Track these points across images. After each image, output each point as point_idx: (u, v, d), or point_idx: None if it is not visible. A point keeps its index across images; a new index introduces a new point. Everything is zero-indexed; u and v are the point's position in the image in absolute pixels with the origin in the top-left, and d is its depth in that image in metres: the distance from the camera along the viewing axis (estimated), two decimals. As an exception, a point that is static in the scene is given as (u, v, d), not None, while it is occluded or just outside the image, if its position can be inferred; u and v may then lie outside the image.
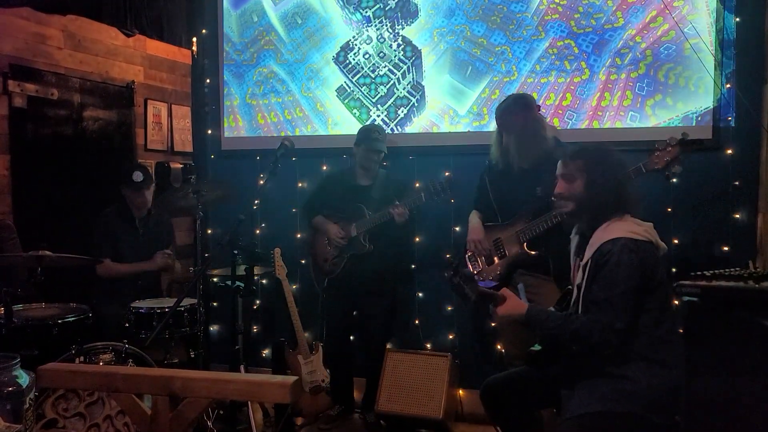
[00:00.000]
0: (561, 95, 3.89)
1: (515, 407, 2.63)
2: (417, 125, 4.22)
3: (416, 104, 4.21)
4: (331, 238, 3.86)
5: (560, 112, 3.88)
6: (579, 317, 2.31)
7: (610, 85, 3.78)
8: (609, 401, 2.23)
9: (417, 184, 3.97)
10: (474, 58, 4.04)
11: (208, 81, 4.69)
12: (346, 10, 4.36)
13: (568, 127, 3.85)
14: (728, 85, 3.49)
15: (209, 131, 4.71)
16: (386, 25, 4.27)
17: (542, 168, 3.22)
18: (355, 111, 4.33)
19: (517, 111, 3.20)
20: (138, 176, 4.03)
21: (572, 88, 3.86)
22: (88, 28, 4.89)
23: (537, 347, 2.51)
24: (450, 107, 4.13)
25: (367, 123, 4.10)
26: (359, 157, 3.85)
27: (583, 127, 3.82)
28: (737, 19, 3.48)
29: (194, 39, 4.76)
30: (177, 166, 5.65)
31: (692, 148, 2.86)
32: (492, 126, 3.62)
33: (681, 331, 2.23)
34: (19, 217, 4.26)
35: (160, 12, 5.04)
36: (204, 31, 4.70)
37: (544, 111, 3.82)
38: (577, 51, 3.84)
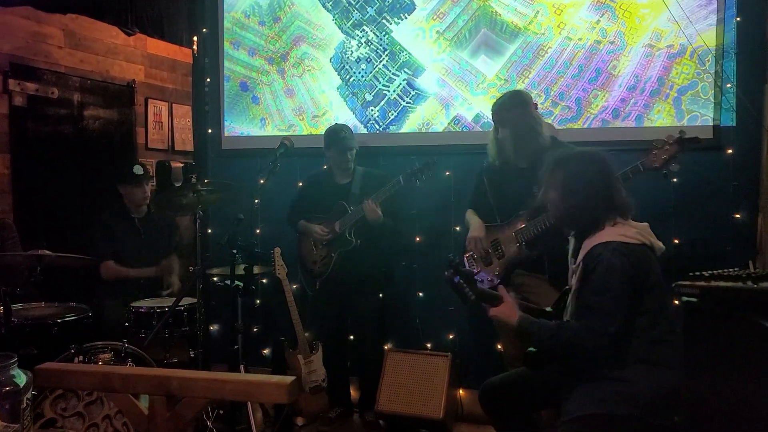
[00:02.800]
0: (591, 69, 3.76)
1: (514, 409, 2.63)
2: (413, 124, 4.19)
3: (409, 105, 4.18)
4: (315, 238, 3.87)
5: (585, 90, 3.77)
6: (570, 326, 2.31)
7: (643, 63, 3.66)
8: (607, 403, 2.23)
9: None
10: (507, 16, 3.93)
11: (208, 80, 4.69)
12: (332, 14, 4.37)
13: (590, 109, 3.76)
14: (729, 85, 3.47)
15: (210, 130, 4.70)
16: (371, 32, 4.25)
17: (539, 166, 3.22)
18: (353, 110, 4.32)
19: (513, 107, 3.22)
20: (138, 169, 4.09)
21: (604, 61, 3.73)
22: (88, 27, 4.90)
23: (533, 349, 2.50)
24: (479, 72, 4.01)
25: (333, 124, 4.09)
26: (333, 160, 3.87)
27: (588, 129, 3.80)
28: (738, 19, 3.47)
29: (195, 38, 4.76)
30: (177, 164, 5.66)
31: (690, 145, 2.85)
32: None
33: (679, 331, 2.22)
34: (19, 215, 4.27)
35: (161, 11, 5.05)
36: (204, 29, 4.70)
37: (556, 102, 3.83)
38: (617, 17, 3.70)
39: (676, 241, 3.51)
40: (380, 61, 4.25)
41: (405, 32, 4.21)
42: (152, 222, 4.21)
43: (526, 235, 3.16)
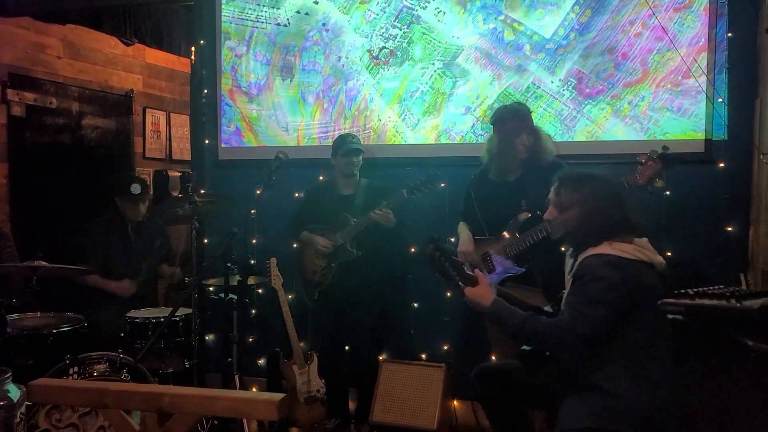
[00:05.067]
0: (656, 26, 3.57)
1: (505, 397, 2.67)
2: (459, 105, 4.05)
3: (446, 92, 4.06)
4: (317, 249, 3.89)
5: (650, 50, 3.60)
6: (541, 319, 2.37)
7: (711, 22, 3.48)
8: (598, 418, 2.25)
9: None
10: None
11: (206, 91, 4.71)
12: (348, 17, 4.34)
13: (657, 71, 3.61)
14: (720, 99, 3.50)
15: (207, 141, 4.73)
16: (393, 27, 4.20)
17: (526, 181, 3.28)
18: (390, 106, 4.25)
19: (520, 117, 3.30)
20: (136, 189, 4.08)
21: (668, 22, 3.54)
22: (87, 38, 4.94)
23: (527, 347, 2.52)
24: (535, 33, 3.83)
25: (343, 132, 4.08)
26: (340, 166, 3.87)
27: (575, 143, 3.81)
28: (730, 34, 3.50)
29: (193, 48, 4.79)
30: (175, 174, 5.69)
31: (673, 162, 2.87)
32: (577, 54, 3.71)
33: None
34: (17, 224, 4.29)
35: (160, 21, 5.07)
36: (202, 41, 4.72)
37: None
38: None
39: (669, 254, 3.52)
40: (407, 54, 4.15)
41: (436, 12, 4.05)
42: (144, 230, 4.24)
43: (515, 249, 3.20)
